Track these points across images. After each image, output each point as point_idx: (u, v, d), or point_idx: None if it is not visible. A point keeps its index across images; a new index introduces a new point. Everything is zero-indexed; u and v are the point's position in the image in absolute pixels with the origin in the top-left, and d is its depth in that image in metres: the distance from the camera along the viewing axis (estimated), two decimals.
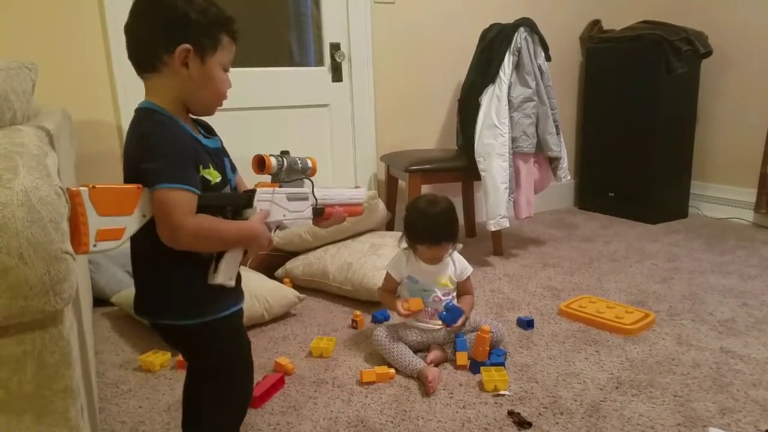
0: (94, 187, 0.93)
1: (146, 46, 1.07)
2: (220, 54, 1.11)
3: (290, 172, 1.22)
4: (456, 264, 1.97)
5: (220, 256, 1.11)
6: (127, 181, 1.03)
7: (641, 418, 1.53)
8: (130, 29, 1.08)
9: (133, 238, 1.03)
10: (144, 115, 1.07)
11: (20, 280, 0.76)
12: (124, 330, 2.16)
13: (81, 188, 0.91)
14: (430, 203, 1.89)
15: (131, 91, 2.48)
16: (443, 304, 1.88)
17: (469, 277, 1.98)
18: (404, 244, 1.94)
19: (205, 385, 1.22)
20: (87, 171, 2.49)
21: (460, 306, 1.90)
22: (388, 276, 1.98)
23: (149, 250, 1.06)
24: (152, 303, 1.14)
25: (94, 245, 0.93)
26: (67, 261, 0.80)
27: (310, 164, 1.26)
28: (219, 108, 1.17)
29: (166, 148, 1.02)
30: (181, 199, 1.01)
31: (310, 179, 1.28)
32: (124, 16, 1.08)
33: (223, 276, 1.11)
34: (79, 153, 2.37)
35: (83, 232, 0.91)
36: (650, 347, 1.93)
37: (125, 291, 2.28)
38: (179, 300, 1.11)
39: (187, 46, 1.05)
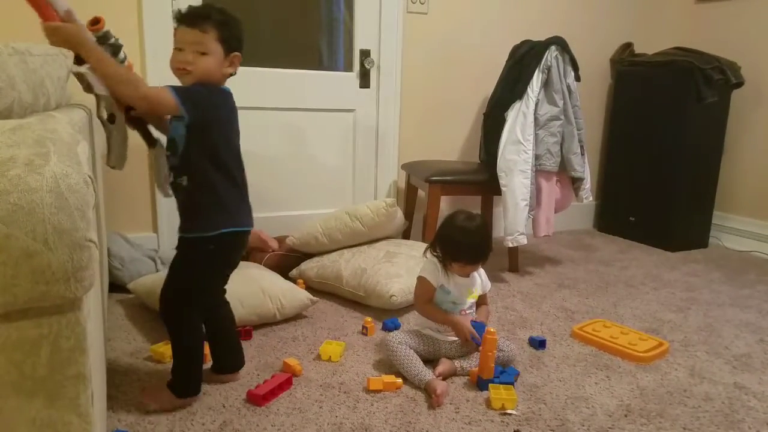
0: None
1: None
2: None
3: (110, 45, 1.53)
4: (482, 277, 1.98)
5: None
6: None
7: None
8: None
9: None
10: None
11: (43, 265, 0.77)
12: (137, 319, 2.18)
13: None
14: (469, 219, 1.87)
15: (161, 81, 2.49)
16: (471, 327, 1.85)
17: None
18: (429, 255, 1.92)
19: None
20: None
21: (479, 317, 1.93)
22: (424, 282, 1.90)
23: None
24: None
25: None
26: (90, 249, 0.81)
27: (125, 58, 1.57)
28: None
29: None
30: None
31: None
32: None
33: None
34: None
35: None
36: (662, 377, 1.90)
37: (143, 278, 2.29)
38: None
39: None
